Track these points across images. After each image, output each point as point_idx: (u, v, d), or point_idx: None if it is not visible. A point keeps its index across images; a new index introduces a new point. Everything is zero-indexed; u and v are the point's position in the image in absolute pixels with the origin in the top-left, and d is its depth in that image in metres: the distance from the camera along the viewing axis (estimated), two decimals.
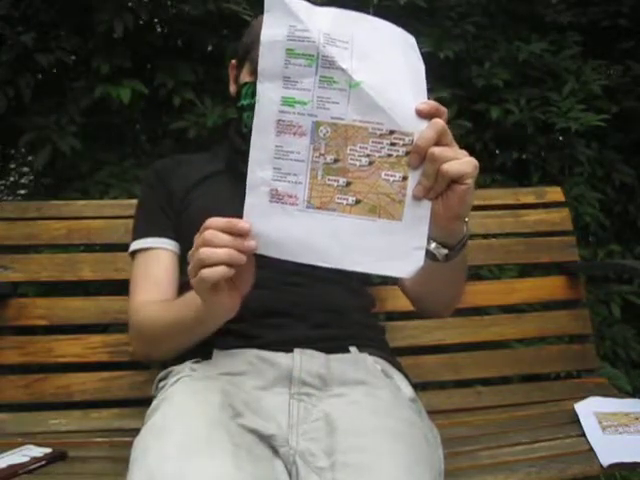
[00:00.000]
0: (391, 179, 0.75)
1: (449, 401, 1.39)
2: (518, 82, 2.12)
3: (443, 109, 0.76)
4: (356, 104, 0.74)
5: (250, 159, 0.77)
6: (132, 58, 1.84)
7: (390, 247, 0.76)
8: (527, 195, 1.61)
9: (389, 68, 0.76)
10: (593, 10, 2.36)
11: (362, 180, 0.75)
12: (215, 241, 0.76)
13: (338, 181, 0.75)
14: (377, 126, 0.74)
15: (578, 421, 1.18)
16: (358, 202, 0.75)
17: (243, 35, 1.17)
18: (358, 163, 0.75)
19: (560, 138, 2.17)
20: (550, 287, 1.54)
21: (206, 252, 0.77)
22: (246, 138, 1.11)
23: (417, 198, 0.75)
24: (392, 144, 0.74)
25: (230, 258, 0.76)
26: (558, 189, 1.63)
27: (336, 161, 0.75)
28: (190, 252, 0.80)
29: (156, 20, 2.00)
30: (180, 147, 1.94)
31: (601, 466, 1.02)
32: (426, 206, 0.76)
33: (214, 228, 0.77)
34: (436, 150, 0.74)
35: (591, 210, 2.06)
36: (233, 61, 1.18)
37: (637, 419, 1.16)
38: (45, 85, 1.89)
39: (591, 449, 1.07)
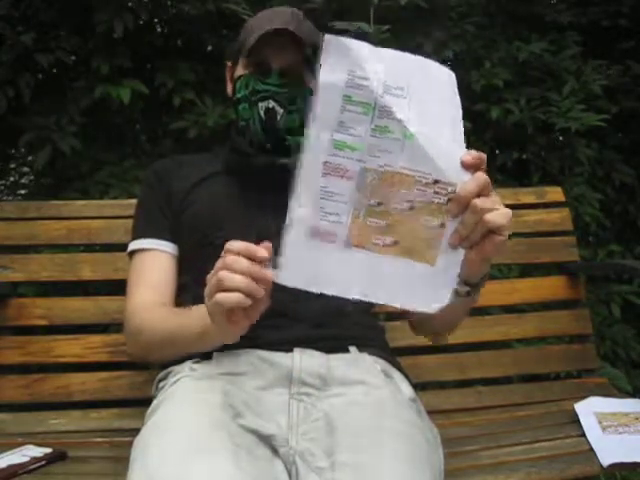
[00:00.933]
0: (429, 225, 0.76)
1: (449, 401, 1.39)
2: (518, 82, 2.12)
3: (484, 157, 0.77)
4: (408, 154, 0.75)
5: (294, 195, 0.76)
6: (132, 58, 1.84)
7: (420, 287, 0.77)
8: (527, 195, 1.60)
9: (440, 116, 0.76)
10: (593, 10, 2.36)
11: (401, 224, 0.76)
12: (235, 266, 0.76)
13: (379, 223, 0.76)
14: (424, 175, 0.75)
15: (578, 421, 1.18)
16: (395, 243, 0.76)
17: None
18: (400, 207, 0.76)
19: (560, 138, 2.17)
20: (550, 287, 1.54)
21: (225, 274, 0.76)
22: (244, 132, 1.12)
23: (452, 246, 0.76)
24: (435, 192, 0.75)
25: (247, 288, 0.75)
26: (558, 189, 1.63)
27: (379, 204, 0.76)
28: (209, 275, 0.79)
29: (156, 20, 2.00)
30: (180, 147, 1.94)
31: (601, 466, 1.02)
32: (460, 253, 0.77)
33: (233, 251, 0.77)
34: (478, 202, 0.74)
35: (591, 210, 2.07)
36: (229, 63, 1.18)
37: (637, 419, 1.16)
38: (45, 85, 1.89)
39: (591, 449, 1.07)
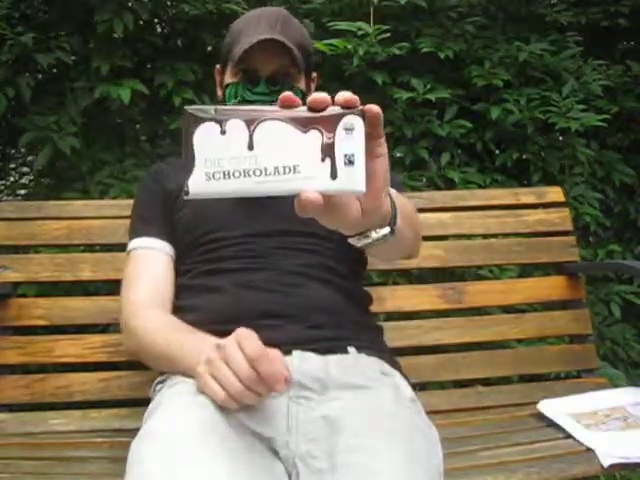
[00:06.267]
0: None
1: (449, 401, 1.39)
2: (518, 82, 2.12)
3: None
4: None
5: None
6: (132, 58, 1.85)
7: None
8: (527, 195, 1.61)
9: None
10: (593, 10, 2.36)
11: None
12: (237, 368, 0.78)
13: None
14: None
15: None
16: None
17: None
18: None
19: (560, 138, 2.17)
20: (550, 287, 1.54)
21: (224, 374, 0.79)
22: None
23: None
24: None
25: (239, 395, 0.79)
26: (558, 189, 1.63)
27: None
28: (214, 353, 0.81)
29: (156, 20, 2.00)
30: (180, 147, 1.93)
31: (601, 466, 1.02)
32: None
33: (246, 351, 0.77)
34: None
35: (591, 210, 2.07)
36: (217, 66, 1.19)
37: (607, 416, 1.17)
38: (45, 85, 1.89)
39: (591, 449, 1.07)
